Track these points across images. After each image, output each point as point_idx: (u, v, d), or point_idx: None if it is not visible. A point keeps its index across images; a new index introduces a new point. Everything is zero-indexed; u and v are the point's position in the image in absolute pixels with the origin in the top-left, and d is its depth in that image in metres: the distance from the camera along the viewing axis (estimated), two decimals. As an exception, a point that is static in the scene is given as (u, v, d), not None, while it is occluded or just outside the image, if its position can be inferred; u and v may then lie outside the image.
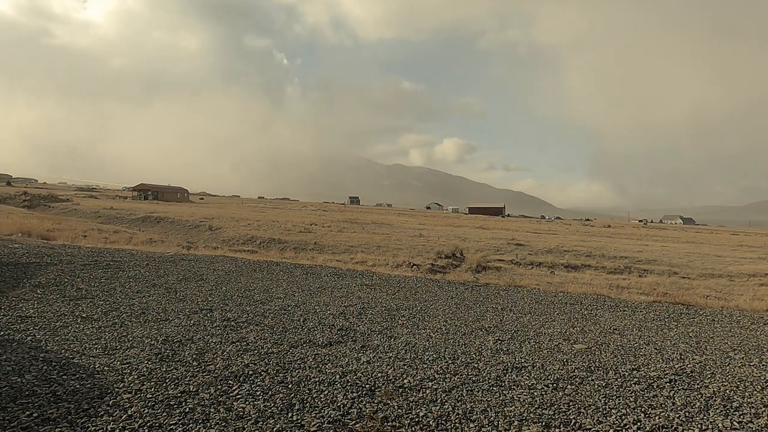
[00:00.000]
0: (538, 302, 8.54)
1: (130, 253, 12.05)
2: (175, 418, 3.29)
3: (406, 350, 5.14)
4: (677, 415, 3.77)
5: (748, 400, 4.17)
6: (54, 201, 48.01)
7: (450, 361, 4.83)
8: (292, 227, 28.82)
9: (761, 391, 4.39)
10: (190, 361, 4.40)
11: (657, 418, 3.71)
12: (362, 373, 4.34)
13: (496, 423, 3.50)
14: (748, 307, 9.24)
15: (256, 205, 78.77)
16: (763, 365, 5.24)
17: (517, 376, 4.49)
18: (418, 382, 4.22)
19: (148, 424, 3.18)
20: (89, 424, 3.14)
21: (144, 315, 5.97)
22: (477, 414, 3.63)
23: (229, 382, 3.97)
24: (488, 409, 3.73)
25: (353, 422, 3.40)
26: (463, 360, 4.91)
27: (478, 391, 4.07)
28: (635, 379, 4.57)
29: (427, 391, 4.01)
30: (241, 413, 3.42)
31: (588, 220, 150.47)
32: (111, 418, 3.23)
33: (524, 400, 3.93)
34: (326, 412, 3.53)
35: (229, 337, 5.25)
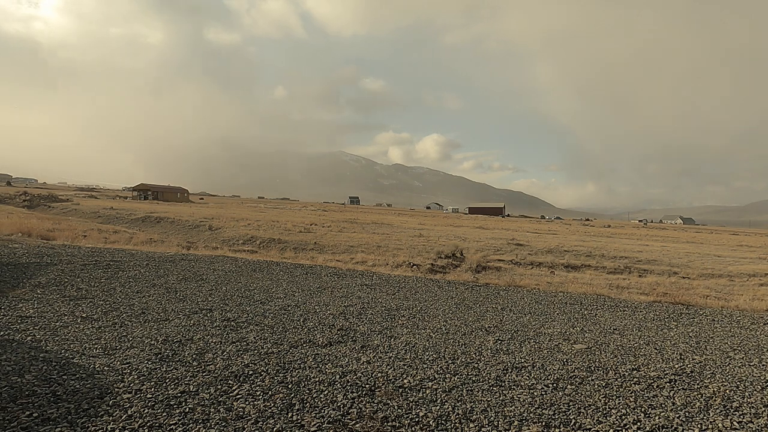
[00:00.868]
0: (538, 302, 8.54)
1: (130, 253, 12.05)
2: (175, 418, 3.29)
3: (406, 350, 5.14)
4: (677, 415, 3.77)
5: (748, 400, 4.17)
6: (54, 201, 48.01)
7: (450, 361, 4.83)
8: (292, 227, 28.83)
9: (761, 391, 4.39)
10: (190, 361, 4.40)
11: (657, 418, 3.71)
12: (362, 373, 4.34)
13: (496, 423, 3.50)
14: (748, 307, 9.24)
15: (256, 205, 78.80)
16: (763, 365, 5.24)
17: (517, 376, 4.49)
18: (418, 382, 4.22)
19: (148, 424, 3.18)
20: (89, 424, 3.14)
21: (144, 315, 5.97)
22: (477, 414, 3.63)
23: (229, 382, 3.97)
24: (488, 409, 3.73)
25: (353, 422, 3.40)
26: (463, 360, 4.91)
27: (478, 391, 4.07)
28: (635, 379, 4.57)
29: (427, 391, 4.01)
30: (241, 413, 3.42)
31: (588, 220, 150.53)
32: (111, 418, 3.23)
33: (524, 400, 3.93)
34: (326, 412, 3.53)
35: (229, 337, 5.25)
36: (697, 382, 4.58)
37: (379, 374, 4.35)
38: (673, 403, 4.01)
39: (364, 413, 3.54)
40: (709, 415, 3.81)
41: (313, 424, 3.34)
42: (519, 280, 12.30)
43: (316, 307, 7.00)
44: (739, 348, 5.95)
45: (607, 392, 4.20)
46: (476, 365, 4.76)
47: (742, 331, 6.98)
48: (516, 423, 3.52)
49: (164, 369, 4.16)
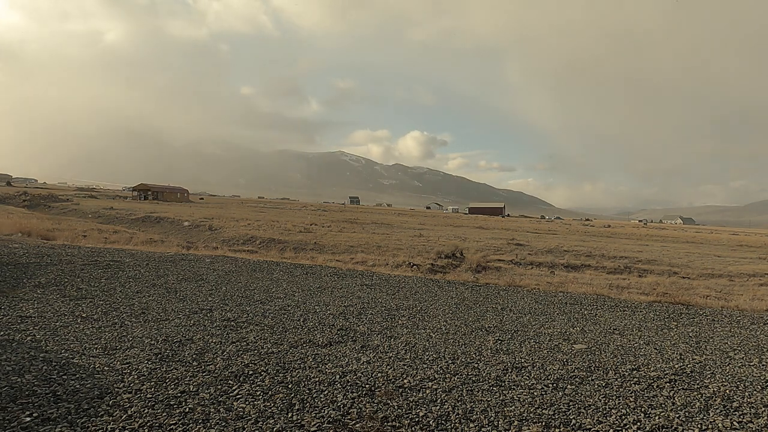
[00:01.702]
0: (538, 302, 8.53)
1: (130, 253, 12.05)
2: (175, 418, 3.29)
3: (406, 350, 5.13)
4: (677, 415, 3.76)
5: (748, 400, 4.17)
6: (54, 201, 48.03)
7: (450, 361, 4.83)
8: (292, 227, 28.83)
9: (761, 391, 4.39)
10: (190, 361, 4.40)
11: (657, 418, 3.71)
12: (362, 373, 4.34)
13: (496, 423, 3.50)
14: (748, 307, 9.24)
15: (256, 205, 78.79)
16: (763, 365, 5.24)
17: (517, 376, 4.49)
18: (418, 382, 4.22)
19: (148, 424, 3.18)
20: (89, 424, 3.14)
21: (144, 315, 5.97)
22: (477, 414, 3.63)
23: (229, 382, 3.97)
24: (488, 409, 3.73)
25: (353, 422, 3.40)
26: (463, 360, 4.91)
27: (478, 391, 4.07)
28: (635, 379, 4.57)
29: (427, 391, 4.01)
30: (241, 413, 3.42)
31: (588, 219, 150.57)
32: (111, 418, 3.23)
33: (524, 400, 3.93)
34: (326, 412, 3.53)
35: (229, 337, 5.25)
36: (697, 382, 4.58)
37: (379, 374, 4.35)
38: (673, 403, 4.00)
39: (364, 413, 3.54)
40: (709, 415, 3.81)
41: (313, 424, 3.34)
42: (519, 280, 12.30)
43: (316, 307, 7.00)
44: (739, 348, 5.94)
45: (607, 392, 4.20)
46: (476, 365, 4.76)
47: (742, 331, 6.98)
48: (516, 423, 3.52)
49: (164, 369, 4.16)
